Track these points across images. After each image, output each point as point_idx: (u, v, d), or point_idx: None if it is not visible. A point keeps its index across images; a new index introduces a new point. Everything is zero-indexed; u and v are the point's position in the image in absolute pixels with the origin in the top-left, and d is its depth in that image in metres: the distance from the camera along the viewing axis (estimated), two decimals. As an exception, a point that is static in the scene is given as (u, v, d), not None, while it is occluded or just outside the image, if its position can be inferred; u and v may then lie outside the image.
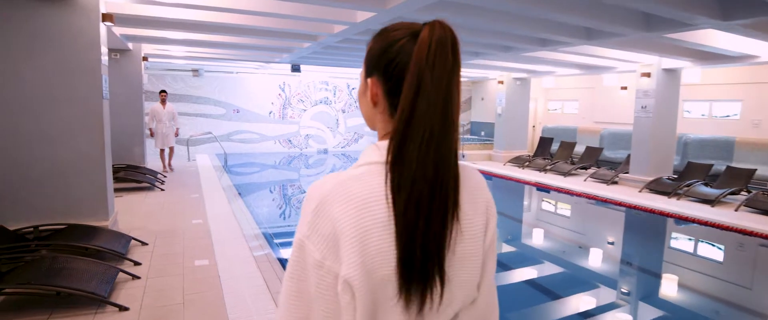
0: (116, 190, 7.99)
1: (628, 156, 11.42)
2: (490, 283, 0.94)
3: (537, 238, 7.33)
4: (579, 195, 9.63)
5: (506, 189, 11.32)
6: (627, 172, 10.62)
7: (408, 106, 0.78)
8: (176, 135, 10.76)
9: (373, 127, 0.95)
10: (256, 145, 15.49)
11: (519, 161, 13.52)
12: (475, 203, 0.91)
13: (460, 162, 0.85)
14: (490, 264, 0.93)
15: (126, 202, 7.26)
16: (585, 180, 10.89)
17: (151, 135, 10.43)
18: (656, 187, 9.38)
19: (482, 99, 18.54)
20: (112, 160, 9.18)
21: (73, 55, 4.80)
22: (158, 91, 10.74)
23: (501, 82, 14.52)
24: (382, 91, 0.88)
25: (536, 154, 13.97)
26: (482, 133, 17.75)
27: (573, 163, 12.64)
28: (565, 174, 11.65)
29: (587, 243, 7.18)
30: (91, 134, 4.91)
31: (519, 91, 14.62)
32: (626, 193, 9.24)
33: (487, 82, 18.11)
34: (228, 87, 14.91)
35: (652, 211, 7.98)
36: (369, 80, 0.90)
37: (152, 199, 7.52)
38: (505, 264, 5.69)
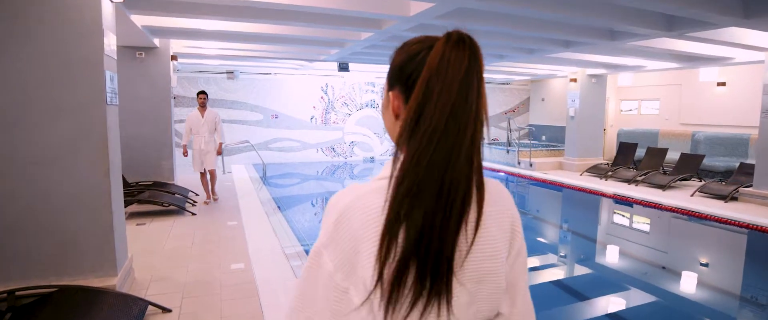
0: (139, 216, 6.58)
1: (741, 165, 9.51)
2: (525, 301, 0.95)
3: (655, 275, 5.55)
4: (694, 215, 7.77)
5: (590, 206, 9.52)
6: (749, 186, 8.68)
7: (413, 111, 0.77)
8: (219, 152, 7.62)
9: (395, 139, 0.89)
10: (296, 153, 14.04)
11: (598, 171, 11.67)
12: (500, 219, 0.90)
13: (485, 176, 0.83)
14: (522, 283, 0.94)
15: (148, 235, 5.82)
16: (692, 195, 9.01)
17: (185, 153, 7.54)
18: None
19: (542, 99, 16.70)
20: (134, 179, 7.81)
21: (64, 45, 3.34)
22: (196, 92, 7.78)
23: (574, 80, 12.70)
24: (402, 103, 0.89)
25: (617, 162, 12.09)
26: (543, 138, 15.90)
27: (665, 173, 10.73)
28: (663, 187, 9.76)
29: (729, 285, 5.36)
30: (91, 154, 3.44)
31: (594, 90, 12.77)
32: (757, 214, 7.36)
33: (547, 81, 16.28)
34: (265, 90, 13.52)
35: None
36: (391, 93, 0.92)
37: (181, 229, 6.06)
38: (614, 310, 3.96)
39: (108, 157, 3.46)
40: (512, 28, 6.22)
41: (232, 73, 13.00)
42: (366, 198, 0.82)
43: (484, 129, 0.80)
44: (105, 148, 3.45)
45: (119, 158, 3.84)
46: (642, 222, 8.42)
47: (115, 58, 3.79)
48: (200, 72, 12.75)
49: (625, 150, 12.32)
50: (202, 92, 7.48)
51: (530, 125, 15.71)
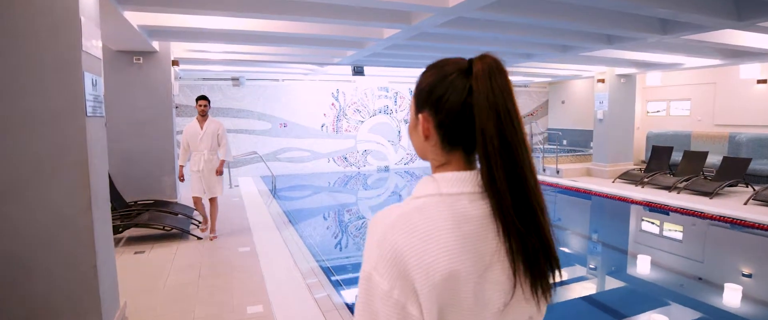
0: (138, 242, 5.79)
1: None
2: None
3: (716, 294, 4.71)
4: (755, 227, 6.94)
5: (628, 217, 8.67)
6: (812, 193, 7.85)
7: (498, 140, 0.82)
8: (219, 171, 6.00)
9: (424, 158, 0.97)
10: (306, 164, 13.24)
11: (631, 177, 10.84)
12: None
13: None
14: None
15: (148, 266, 5.02)
16: (745, 203, 8.18)
17: (181, 177, 6.21)
18: None
19: (562, 102, 15.89)
20: (133, 197, 6.81)
21: (31, 39, 2.56)
22: (196, 98, 6.04)
23: (601, 81, 11.89)
24: (433, 124, 0.91)
25: (651, 168, 11.25)
26: (564, 142, 15.07)
27: (707, 179, 9.90)
28: (710, 194, 8.93)
29: None
30: (68, 181, 2.65)
31: (623, 91, 11.97)
32: None
33: (567, 83, 15.48)
34: (273, 97, 12.74)
35: None
36: (420, 115, 0.93)
37: (185, 258, 5.26)
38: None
39: (90, 183, 2.67)
40: (556, 19, 5.43)
41: (237, 79, 12.24)
42: (409, 217, 0.84)
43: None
44: (85, 172, 2.65)
45: (106, 183, 3.05)
46: (692, 235, 7.58)
47: (100, 57, 3.01)
48: (204, 79, 12.00)
49: (659, 154, 11.49)
50: (203, 98, 5.85)
51: (550, 129, 14.88)
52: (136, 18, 5.39)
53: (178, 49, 7.75)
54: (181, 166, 6.12)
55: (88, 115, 2.68)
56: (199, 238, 6.01)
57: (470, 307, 0.82)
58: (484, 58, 0.86)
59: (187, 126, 6.05)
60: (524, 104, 16.08)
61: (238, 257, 5.27)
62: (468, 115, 0.85)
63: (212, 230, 6.12)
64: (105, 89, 7.38)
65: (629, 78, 11.98)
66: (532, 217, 0.83)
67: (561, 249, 7.39)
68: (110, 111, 7.16)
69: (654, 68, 10.86)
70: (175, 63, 7.61)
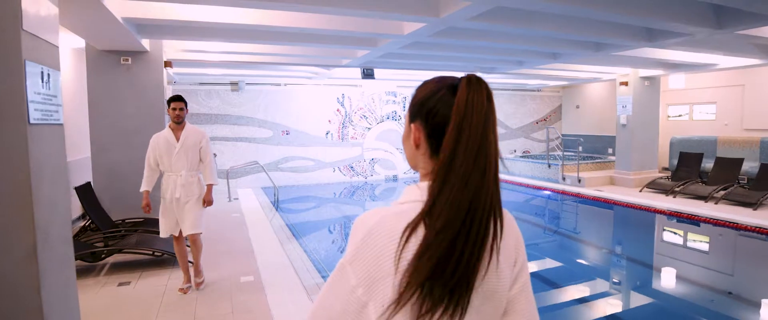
0: (123, 270, 4.98)
1: None
2: (533, 312, 1.04)
3: None
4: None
5: (664, 231, 7.90)
6: None
7: (449, 153, 0.87)
8: (207, 202, 4.46)
9: (415, 168, 1.04)
10: (311, 174, 12.42)
11: (660, 186, 10.08)
12: (507, 244, 0.99)
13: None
14: (524, 296, 1.03)
15: (132, 303, 4.21)
16: (798, 216, 7.44)
17: (147, 207, 4.36)
18: None
19: (577, 107, 15.15)
20: (120, 215, 5.96)
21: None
22: (167, 99, 4.52)
23: (625, 84, 11.16)
24: (423, 134, 0.98)
25: (679, 176, 10.50)
26: (579, 148, 14.29)
27: (744, 187, 9.15)
28: (754, 205, 8.17)
29: None
30: (5, 214, 1.86)
31: (648, 94, 11.24)
32: None
33: (581, 87, 14.77)
34: (275, 103, 11.94)
35: None
36: (413, 125, 1.01)
37: (177, 292, 4.45)
38: None
39: (34, 221, 1.87)
40: (594, 9, 4.68)
41: (236, 84, 11.46)
42: (390, 220, 0.90)
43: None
44: (26, 204, 1.85)
45: (66, 216, 2.25)
46: (740, 251, 6.81)
47: (56, 44, 2.22)
48: (201, 84, 11.21)
49: (688, 161, 10.75)
50: (177, 98, 4.31)
51: (565, 135, 14.12)
52: (120, 8, 4.61)
53: (171, 49, 6.97)
54: (146, 192, 4.33)
55: (33, 122, 1.89)
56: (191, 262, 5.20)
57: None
58: (470, 80, 0.92)
59: (155, 136, 4.36)
60: (536, 109, 15.34)
61: (241, 290, 4.47)
62: None
63: (197, 273, 4.55)
64: (89, 93, 6.63)
65: (653, 80, 11.25)
66: (452, 238, 0.85)
67: (592, 265, 6.67)
68: (95, 118, 6.38)
69: (683, 70, 10.12)
70: (168, 64, 6.83)
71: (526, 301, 1.03)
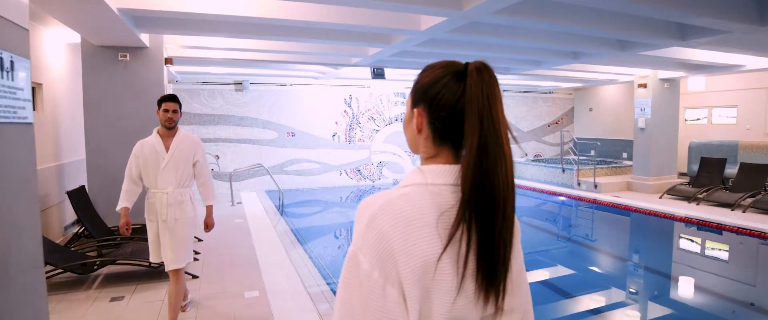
0: (117, 283, 4.59)
1: None
2: (528, 294, 1.07)
3: None
4: None
5: (690, 240, 7.44)
6: None
7: (477, 144, 0.89)
8: (208, 226, 3.77)
9: (415, 151, 1.05)
10: (316, 177, 12.01)
11: (681, 193, 9.64)
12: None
13: None
14: (523, 273, 1.05)
15: None
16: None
17: (124, 227, 3.52)
18: None
19: (590, 109, 14.72)
20: (117, 221, 5.55)
21: None
22: (158, 99, 3.57)
23: (643, 86, 10.74)
24: (426, 120, 0.98)
25: (701, 182, 10.04)
26: (592, 152, 13.85)
27: (771, 195, 8.72)
28: (785, 214, 7.75)
29: None
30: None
31: (667, 97, 10.82)
32: None
33: (594, 89, 14.36)
34: (280, 104, 11.55)
35: None
36: (416, 110, 1.00)
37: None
38: None
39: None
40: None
41: (240, 83, 11.07)
42: (395, 203, 0.90)
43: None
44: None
45: (35, 236, 1.86)
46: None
47: (25, 26, 1.83)
48: (203, 83, 10.83)
49: (710, 166, 10.29)
50: (170, 98, 3.51)
51: (580, 139, 13.67)
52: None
53: (172, 45, 6.59)
54: (125, 210, 3.49)
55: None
56: (194, 276, 4.81)
57: (450, 290, 0.88)
58: (478, 65, 0.94)
59: (139, 144, 3.52)
60: (548, 111, 14.92)
61: (245, 306, 4.07)
62: (458, 114, 0.93)
63: (183, 307, 3.88)
64: (84, 91, 6.27)
65: (673, 83, 10.83)
66: (491, 216, 0.89)
67: (615, 274, 6.26)
68: (90, 118, 6.00)
69: (705, 71, 9.69)
70: (168, 61, 6.45)
71: (525, 282, 1.06)
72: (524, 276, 1.05)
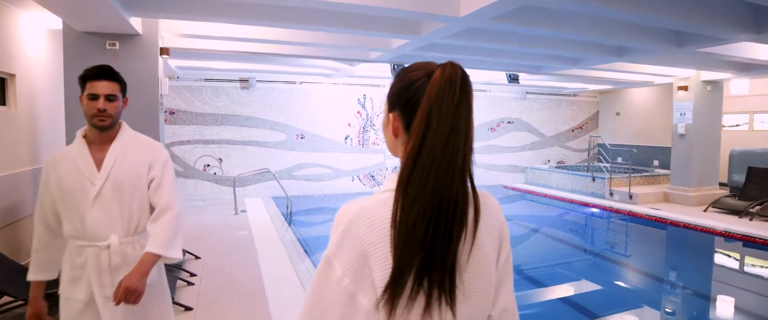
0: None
1: None
2: (510, 300, 1.07)
3: None
4: None
5: (757, 263, 6.56)
6: None
7: (418, 139, 0.89)
8: (127, 290, 1.91)
9: (395, 155, 1.04)
10: (327, 183, 11.17)
11: (727, 206, 8.76)
12: (491, 231, 1.02)
13: (478, 189, 0.96)
14: (508, 283, 1.06)
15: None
16: None
17: (38, 316, 2.10)
18: None
19: (617, 114, 13.84)
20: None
21: None
22: (80, 75, 2.08)
23: (684, 88, 9.86)
24: (402, 124, 1.00)
25: (748, 195, 9.13)
26: (619, 159, 12.95)
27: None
28: None
29: None
30: None
31: (710, 101, 9.95)
32: None
33: (622, 92, 13.52)
34: (289, 103, 10.73)
35: None
36: (391, 114, 1.02)
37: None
38: None
39: None
40: None
41: (246, 81, 10.27)
42: (372, 209, 0.92)
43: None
44: None
45: None
46: None
47: None
48: (206, 80, 10.03)
49: (759, 177, 9.38)
50: (101, 73, 2.06)
51: (613, 145, 12.76)
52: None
53: (168, 32, 5.77)
54: (37, 289, 2.11)
55: None
56: (188, 308, 3.98)
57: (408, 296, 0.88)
58: (444, 67, 0.92)
59: (50, 161, 2.10)
60: (573, 116, 14.05)
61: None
62: None
63: None
64: (66, 85, 5.41)
65: (717, 85, 9.95)
66: (439, 223, 0.88)
67: (675, 303, 5.36)
68: (73, 115, 5.18)
69: (756, 72, 8.78)
70: (164, 52, 5.64)
71: (506, 291, 1.06)
72: (503, 290, 1.05)
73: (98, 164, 2.06)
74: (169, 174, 2.19)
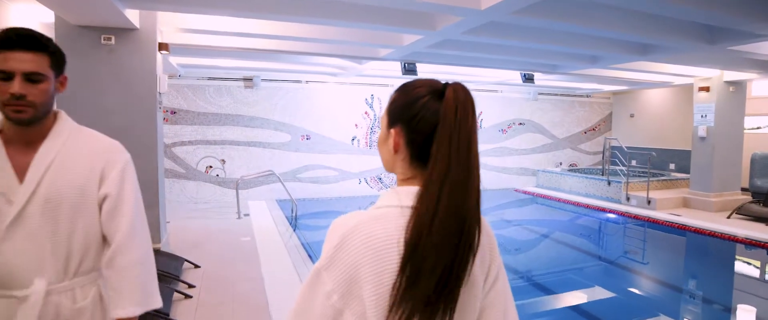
0: None
1: None
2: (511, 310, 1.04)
3: None
4: None
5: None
6: None
7: (444, 165, 0.87)
8: None
9: (391, 171, 1.02)
10: (333, 185, 10.83)
11: (752, 212, 8.37)
12: (482, 252, 0.98)
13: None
14: (497, 306, 1.01)
15: None
16: None
17: None
18: None
19: (631, 116, 13.45)
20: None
21: None
22: None
23: (705, 89, 9.47)
24: (404, 140, 0.96)
25: (773, 200, 8.74)
26: (633, 162, 12.54)
27: None
28: None
29: None
30: None
31: (732, 102, 9.55)
32: None
33: (637, 93, 13.13)
34: (294, 103, 10.41)
35: None
36: (392, 130, 0.98)
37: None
38: None
39: None
40: None
41: (250, 79, 9.96)
42: (369, 225, 0.89)
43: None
44: None
45: None
46: None
47: None
48: (209, 78, 9.72)
49: (785, 182, 9.00)
50: (16, 42, 1.32)
51: (630, 148, 12.36)
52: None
53: (167, 27, 5.46)
54: None
55: None
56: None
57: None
58: (456, 89, 0.91)
59: None
60: (585, 117, 13.67)
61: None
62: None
63: None
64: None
65: (739, 86, 9.56)
66: (449, 247, 0.85)
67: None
68: (66, 111, 4.89)
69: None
70: (163, 47, 5.32)
71: (505, 301, 1.03)
72: (494, 306, 1.01)
73: (20, 173, 1.37)
74: (130, 188, 1.51)
